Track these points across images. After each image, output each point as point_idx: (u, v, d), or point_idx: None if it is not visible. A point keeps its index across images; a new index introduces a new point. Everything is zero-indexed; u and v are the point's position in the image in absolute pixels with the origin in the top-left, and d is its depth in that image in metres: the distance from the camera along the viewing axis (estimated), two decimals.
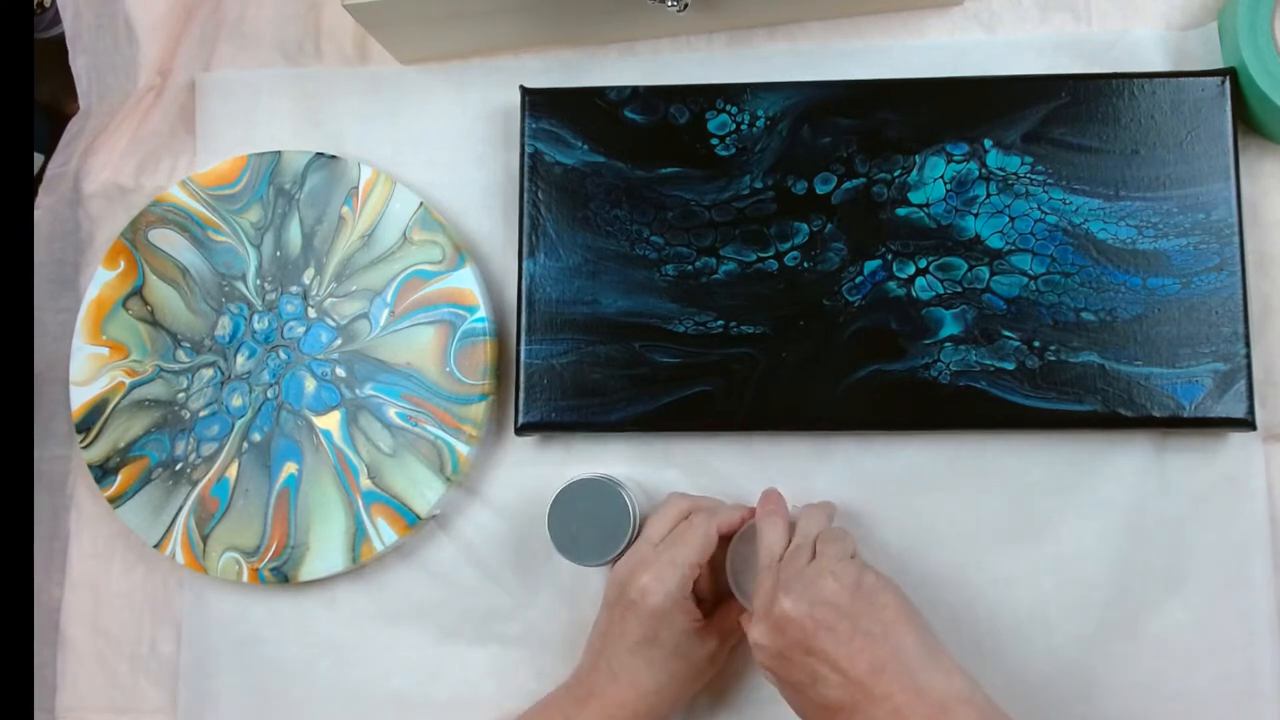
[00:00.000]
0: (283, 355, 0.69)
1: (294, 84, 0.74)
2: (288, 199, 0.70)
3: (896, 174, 0.66)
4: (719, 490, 0.68)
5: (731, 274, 0.67)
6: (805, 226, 0.67)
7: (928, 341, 0.65)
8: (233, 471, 0.69)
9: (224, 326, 0.70)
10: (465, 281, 0.68)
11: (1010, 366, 0.64)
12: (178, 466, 0.69)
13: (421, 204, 0.69)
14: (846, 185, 0.67)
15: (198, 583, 0.70)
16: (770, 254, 0.67)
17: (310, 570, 0.67)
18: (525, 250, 0.68)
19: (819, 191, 0.67)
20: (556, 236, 0.68)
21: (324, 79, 0.74)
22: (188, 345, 0.70)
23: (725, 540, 0.62)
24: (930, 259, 0.66)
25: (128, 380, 0.70)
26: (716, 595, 0.64)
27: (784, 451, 0.67)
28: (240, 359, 0.70)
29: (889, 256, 0.66)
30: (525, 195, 0.68)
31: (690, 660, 0.60)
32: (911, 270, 0.66)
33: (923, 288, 0.65)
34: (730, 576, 0.63)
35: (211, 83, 0.75)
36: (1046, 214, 0.65)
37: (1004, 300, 0.65)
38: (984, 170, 0.66)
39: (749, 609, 0.59)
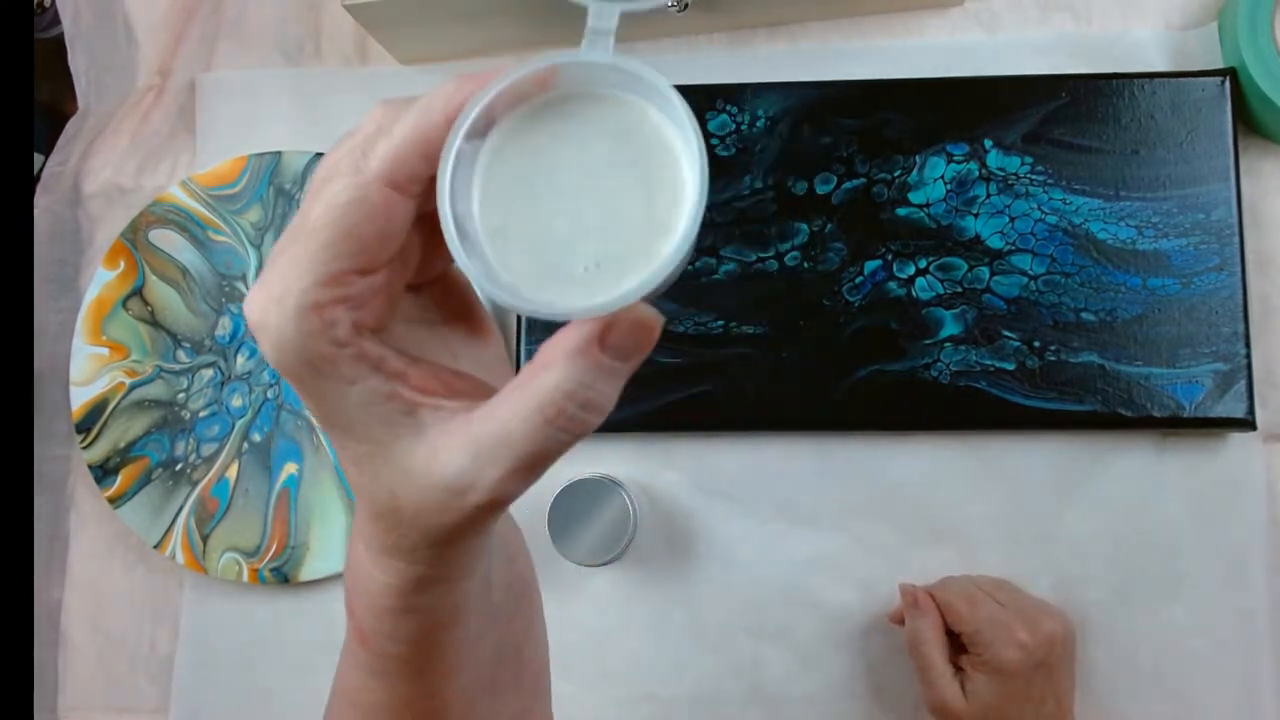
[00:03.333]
0: None
1: (294, 84, 0.74)
2: (288, 199, 0.70)
3: (896, 174, 0.66)
4: (720, 490, 0.67)
5: (731, 274, 0.67)
6: (805, 226, 0.67)
7: (928, 341, 0.65)
8: (233, 472, 0.69)
9: (224, 326, 0.70)
10: None
11: (1010, 366, 0.64)
12: (178, 467, 0.69)
13: None
14: (846, 185, 0.67)
15: (198, 583, 0.70)
16: (770, 254, 0.67)
17: (310, 570, 0.67)
18: None
19: (819, 191, 0.67)
20: None
21: (324, 79, 0.74)
22: (188, 345, 0.70)
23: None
24: (930, 259, 0.66)
25: (128, 380, 0.70)
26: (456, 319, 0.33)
27: (784, 452, 0.67)
28: (240, 359, 0.70)
29: (889, 256, 0.66)
30: None
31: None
32: (911, 270, 0.66)
33: (923, 288, 0.65)
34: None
35: (211, 83, 0.75)
36: (1046, 214, 0.65)
37: (1004, 300, 0.65)
38: (984, 170, 0.66)
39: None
